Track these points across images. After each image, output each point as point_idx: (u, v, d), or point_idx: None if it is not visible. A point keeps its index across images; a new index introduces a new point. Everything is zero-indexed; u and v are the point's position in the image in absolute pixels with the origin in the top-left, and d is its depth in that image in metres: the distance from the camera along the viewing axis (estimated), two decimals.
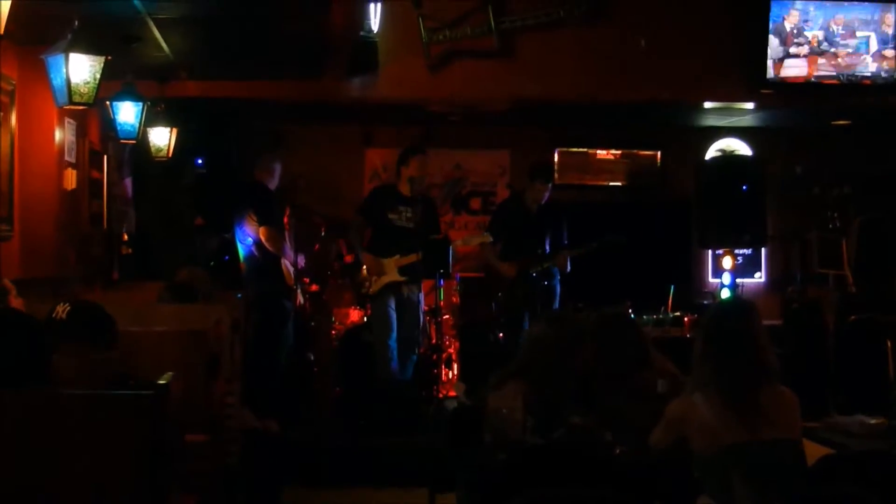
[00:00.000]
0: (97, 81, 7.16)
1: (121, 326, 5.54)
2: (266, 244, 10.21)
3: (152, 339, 5.73)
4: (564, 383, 6.12)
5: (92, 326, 4.71)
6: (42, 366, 4.46)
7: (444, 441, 6.20)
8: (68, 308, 4.77)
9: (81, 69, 7.08)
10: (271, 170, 10.55)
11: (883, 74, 11.02)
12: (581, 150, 14.07)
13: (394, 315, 10.40)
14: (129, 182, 11.92)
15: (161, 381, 4.16)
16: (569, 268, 10.96)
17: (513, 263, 10.86)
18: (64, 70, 7.03)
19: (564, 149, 13.98)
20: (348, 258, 11.81)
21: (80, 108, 7.48)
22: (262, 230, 10.20)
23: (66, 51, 7.02)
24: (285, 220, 10.84)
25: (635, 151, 14.18)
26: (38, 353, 4.47)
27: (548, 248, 10.97)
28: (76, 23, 7.05)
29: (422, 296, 10.67)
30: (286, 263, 10.37)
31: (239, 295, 9.83)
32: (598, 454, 5.41)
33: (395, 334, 10.37)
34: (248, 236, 10.35)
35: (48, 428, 4.12)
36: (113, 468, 4.02)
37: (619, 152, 14.17)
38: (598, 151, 14.13)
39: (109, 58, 7.19)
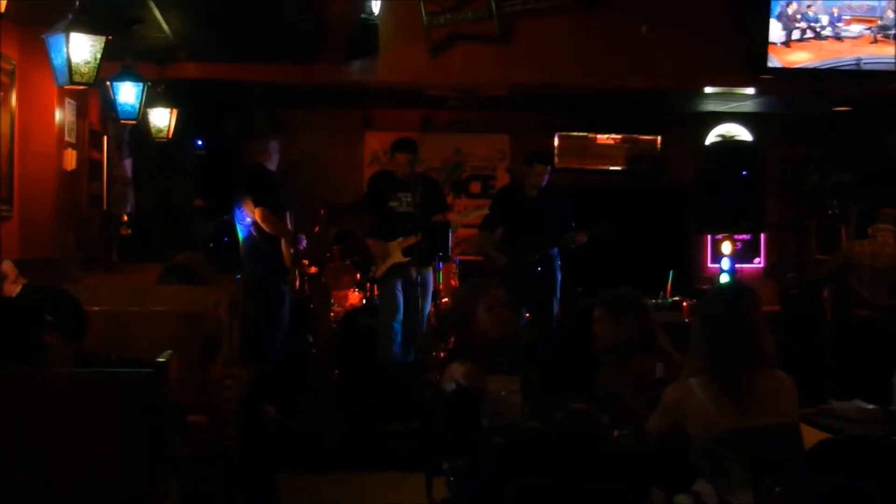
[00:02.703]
0: (97, 61, 7.15)
1: (118, 307, 5.55)
2: (263, 226, 10.22)
3: (150, 320, 5.73)
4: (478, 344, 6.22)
5: (40, 310, 4.66)
6: (34, 348, 4.46)
7: (442, 425, 6.20)
8: (18, 289, 4.75)
9: (82, 49, 7.07)
10: (267, 151, 10.54)
11: (884, 61, 11.00)
12: (581, 134, 14.07)
13: (400, 297, 10.42)
14: (128, 163, 11.91)
15: (159, 360, 4.15)
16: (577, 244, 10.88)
17: (504, 255, 10.83)
18: (65, 50, 7.02)
19: (564, 133, 13.98)
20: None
21: (81, 87, 7.47)
22: (257, 212, 10.21)
23: (67, 30, 7.01)
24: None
25: (635, 136, 14.19)
26: (29, 337, 4.47)
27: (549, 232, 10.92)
28: (77, 3, 7.03)
29: (430, 276, 10.66)
30: (286, 245, 10.37)
31: (237, 277, 9.83)
32: (595, 438, 5.41)
33: (400, 316, 10.40)
34: (246, 217, 10.35)
35: (43, 408, 4.11)
36: (109, 447, 4.03)
37: (619, 137, 14.18)
38: (598, 136, 14.13)
39: (110, 38, 7.17)
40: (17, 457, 4.07)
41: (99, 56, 7.14)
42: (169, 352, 4.36)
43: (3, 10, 5.86)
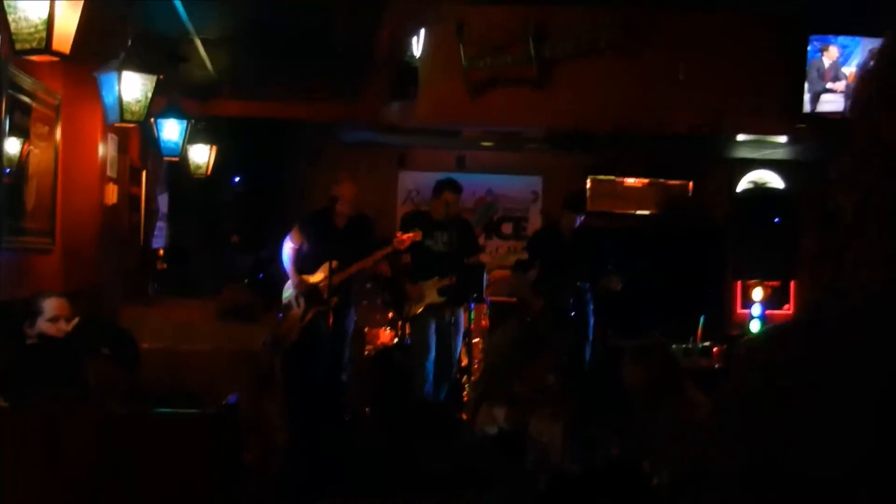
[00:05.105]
0: (148, 100, 7.26)
1: (166, 343, 5.61)
2: None
3: (203, 357, 5.78)
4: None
5: (95, 341, 4.75)
6: (79, 383, 4.55)
7: (485, 466, 6.24)
8: (75, 323, 4.84)
9: (133, 87, 7.17)
10: (332, 193, 10.38)
11: None
12: (613, 178, 14.12)
13: (433, 338, 10.43)
14: (164, 198, 12.00)
15: (228, 403, 4.21)
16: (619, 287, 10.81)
17: (541, 297, 10.85)
18: (116, 88, 7.12)
19: (596, 176, 14.03)
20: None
21: (131, 125, 7.56)
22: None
23: (120, 69, 7.11)
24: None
25: (666, 181, 14.22)
26: (73, 374, 4.57)
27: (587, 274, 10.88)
28: (129, 41, 7.14)
29: (462, 315, 10.67)
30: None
31: (280, 315, 9.88)
32: (637, 484, 5.45)
33: (433, 356, 10.40)
34: None
35: (106, 445, 4.17)
36: (183, 485, 4.08)
37: (650, 181, 14.21)
38: (630, 180, 14.18)
39: (161, 77, 7.27)
40: (91, 491, 4.13)
41: (150, 94, 7.24)
42: (238, 392, 4.43)
43: (68, 52, 5.95)
